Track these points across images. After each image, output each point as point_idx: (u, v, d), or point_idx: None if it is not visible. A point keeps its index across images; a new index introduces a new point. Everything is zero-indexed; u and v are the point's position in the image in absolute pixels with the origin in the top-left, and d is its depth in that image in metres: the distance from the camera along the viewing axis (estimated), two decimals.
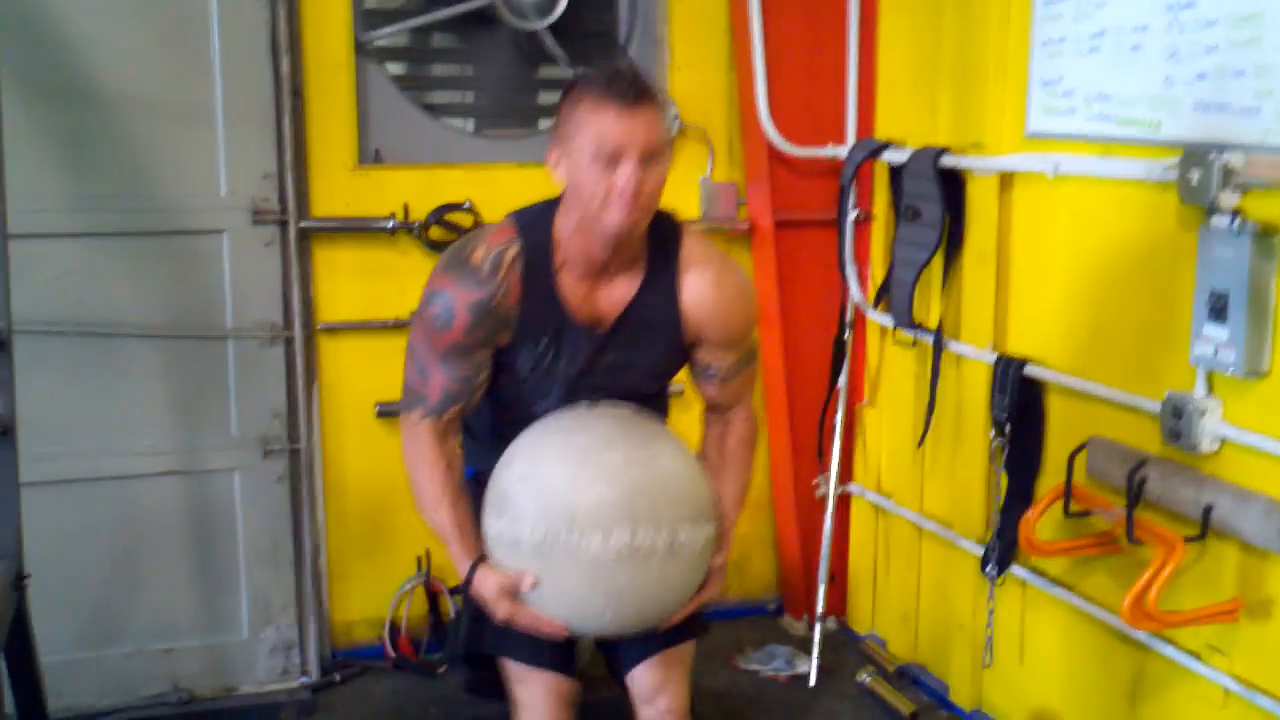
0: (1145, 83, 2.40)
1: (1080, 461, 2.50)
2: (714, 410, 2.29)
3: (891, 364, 3.34)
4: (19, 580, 2.41)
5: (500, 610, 2.04)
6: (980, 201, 2.86)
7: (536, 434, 2.08)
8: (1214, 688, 2.29)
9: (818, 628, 3.33)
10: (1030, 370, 2.70)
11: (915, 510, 3.24)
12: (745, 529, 3.46)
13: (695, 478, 2.09)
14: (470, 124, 3.42)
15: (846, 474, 3.50)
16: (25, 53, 2.82)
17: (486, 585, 2.04)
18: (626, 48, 3.48)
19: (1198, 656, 2.34)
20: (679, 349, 2.19)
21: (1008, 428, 2.74)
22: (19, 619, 2.42)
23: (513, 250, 2.06)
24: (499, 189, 3.12)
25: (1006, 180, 2.80)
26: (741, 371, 2.24)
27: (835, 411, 3.40)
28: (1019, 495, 2.75)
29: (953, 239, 2.96)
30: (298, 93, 3.07)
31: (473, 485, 2.18)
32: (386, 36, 3.26)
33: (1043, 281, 2.73)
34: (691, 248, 2.13)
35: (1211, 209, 2.14)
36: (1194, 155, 2.14)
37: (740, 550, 3.43)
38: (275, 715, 3.10)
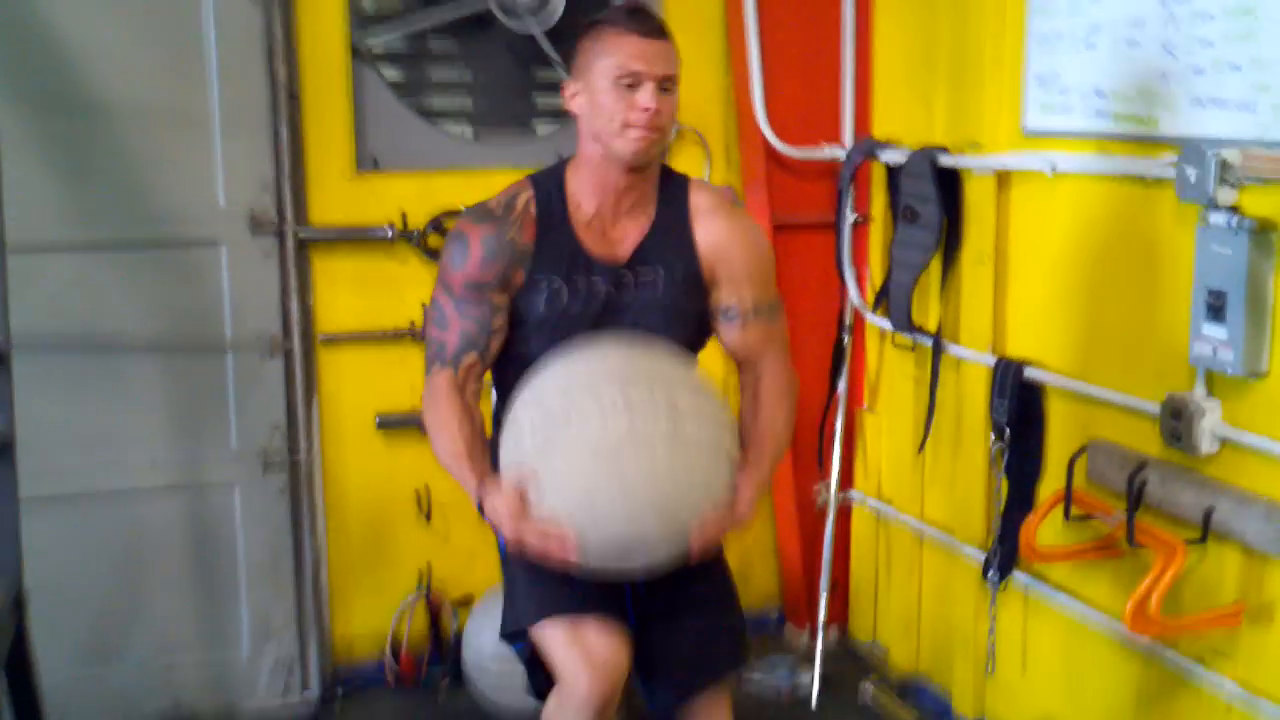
0: (1141, 78, 2.37)
1: (1080, 465, 2.46)
2: (744, 368, 2.29)
3: (891, 368, 3.31)
4: (19, 597, 2.41)
5: (509, 527, 1.95)
6: (978, 201, 2.83)
7: (542, 368, 2.06)
8: (1217, 693, 2.25)
9: (820, 637, 3.30)
10: (1030, 373, 2.67)
11: (916, 517, 3.21)
12: (746, 539, 3.44)
13: (701, 377, 2.07)
14: (467, 129, 3.41)
15: (847, 480, 3.47)
16: (19, 64, 2.81)
17: (495, 501, 1.99)
18: None
19: (1200, 661, 2.30)
20: (697, 287, 2.19)
21: (1008, 431, 2.70)
22: (19, 636, 2.41)
23: (526, 193, 2.17)
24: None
25: (1004, 179, 2.78)
26: (764, 315, 2.25)
27: (835, 417, 3.38)
28: (1019, 500, 2.72)
29: (951, 240, 2.93)
30: (294, 97, 3.06)
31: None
32: (381, 42, 3.24)
33: (1040, 282, 2.70)
34: (699, 190, 2.25)
35: (1209, 205, 2.11)
36: (1190, 151, 2.10)
37: (741, 560, 3.40)
38: None
